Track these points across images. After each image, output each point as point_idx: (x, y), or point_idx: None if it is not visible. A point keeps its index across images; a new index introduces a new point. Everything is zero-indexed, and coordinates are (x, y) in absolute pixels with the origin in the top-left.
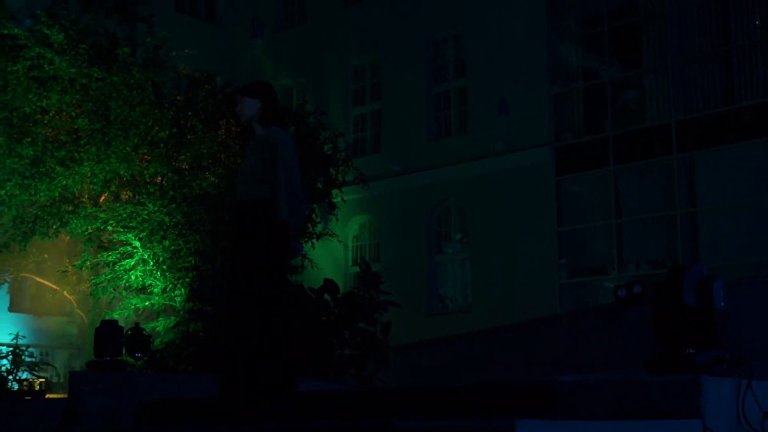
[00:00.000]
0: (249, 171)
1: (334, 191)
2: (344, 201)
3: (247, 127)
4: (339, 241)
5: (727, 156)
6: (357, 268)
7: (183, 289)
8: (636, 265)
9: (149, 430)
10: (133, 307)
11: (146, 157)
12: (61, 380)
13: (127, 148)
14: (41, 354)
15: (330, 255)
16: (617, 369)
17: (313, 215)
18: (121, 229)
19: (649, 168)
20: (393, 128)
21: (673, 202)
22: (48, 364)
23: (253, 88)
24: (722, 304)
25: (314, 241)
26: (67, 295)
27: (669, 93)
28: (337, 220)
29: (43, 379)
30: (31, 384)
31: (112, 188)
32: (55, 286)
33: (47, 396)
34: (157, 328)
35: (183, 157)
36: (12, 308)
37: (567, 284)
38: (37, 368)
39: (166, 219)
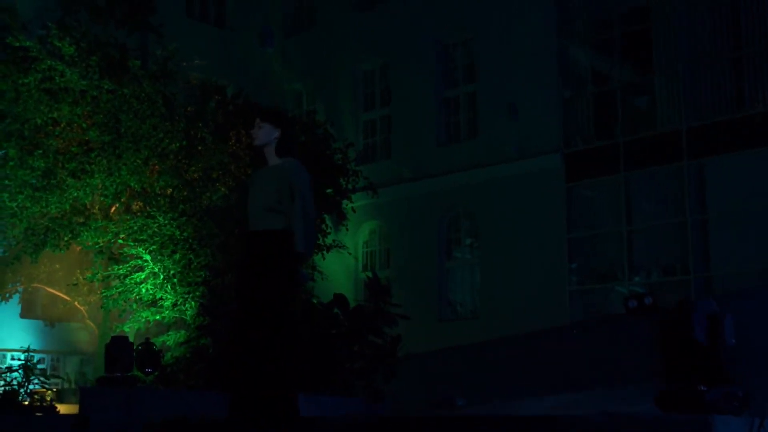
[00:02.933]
0: (263, 201)
1: (344, 201)
2: (354, 211)
3: (258, 150)
4: (349, 254)
5: (738, 162)
6: (368, 274)
7: (193, 303)
8: (647, 272)
9: None
10: (143, 320)
11: (156, 167)
12: (73, 386)
13: (138, 161)
14: (52, 360)
15: (340, 261)
16: (627, 383)
17: (324, 225)
18: (132, 243)
19: (659, 174)
20: (403, 134)
21: (683, 208)
22: (58, 377)
23: (275, 115)
24: (733, 341)
25: (324, 252)
26: (79, 306)
27: (680, 99)
28: (347, 230)
29: (52, 391)
30: (42, 396)
31: (123, 200)
32: (66, 297)
33: (58, 409)
34: (168, 342)
35: (193, 168)
36: (24, 314)
37: (577, 290)
38: (48, 380)
39: (177, 233)
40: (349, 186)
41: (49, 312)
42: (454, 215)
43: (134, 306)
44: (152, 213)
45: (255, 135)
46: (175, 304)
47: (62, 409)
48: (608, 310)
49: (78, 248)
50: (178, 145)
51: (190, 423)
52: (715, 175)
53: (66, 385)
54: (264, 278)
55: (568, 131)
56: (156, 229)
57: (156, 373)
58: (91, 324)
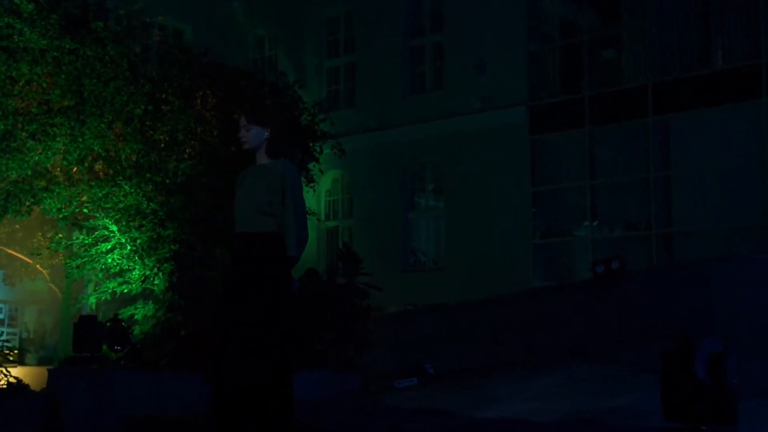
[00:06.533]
0: (252, 202)
1: (312, 163)
2: (321, 172)
3: (250, 153)
4: (318, 220)
5: (703, 120)
6: (330, 224)
7: (162, 276)
8: (610, 227)
9: None
10: (109, 290)
11: (119, 129)
12: (32, 335)
13: (102, 125)
14: (10, 310)
15: None
16: (597, 347)
17: None
18: (98, 214)
19: (624, 129)
20: (367, 82)
21: (647, 164)
22: (23, 349)
23: (262, 116)
24: (735, 380)
25: None
26: (40, 269)
27: (646, 54)
28: (314, 191)
29: (12, 353)
30: (4, 362)
31: (86, 163)
32: (27, 259)
33: (23, 381)
34: (136, 316)
35: (159, 131)
36: None
37: (540, 244)
38: (9, 352)
39: (144, 204)
40: (317, 148)
41: (8, 271)
42: (418, 166)
43: (100, 276)
44: (118, 181)
45: (244, 138)
46: (144, 279)
47: (26, 375)
48: (571, 264)
49: (38, 209)
50: (143, 108)
51: (174, 420)
52: (679, 132)
53: (25, 335)
54: (254, 283)
55: (534, 84)
56: (121, 197)
57: (125, 351)
58: (54, 288)
